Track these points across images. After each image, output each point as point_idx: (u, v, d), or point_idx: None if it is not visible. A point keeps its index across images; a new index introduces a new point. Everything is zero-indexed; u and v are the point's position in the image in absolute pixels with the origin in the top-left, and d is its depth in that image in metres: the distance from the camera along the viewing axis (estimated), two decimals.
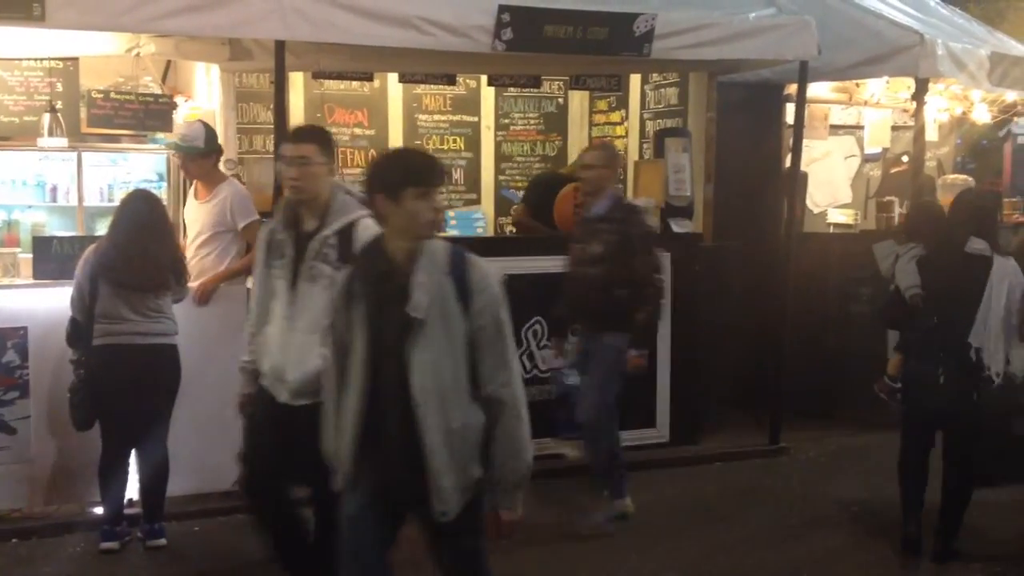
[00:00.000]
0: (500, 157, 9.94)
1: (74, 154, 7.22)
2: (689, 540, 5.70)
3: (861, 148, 10.05)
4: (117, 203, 5.70)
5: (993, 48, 8.31)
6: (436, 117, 9.63)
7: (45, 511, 5.70)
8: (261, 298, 4.19)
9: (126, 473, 5.38)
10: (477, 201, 9.63)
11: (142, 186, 6.62)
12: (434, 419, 3.11)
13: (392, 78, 9.05)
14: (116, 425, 5.26)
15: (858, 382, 7.86)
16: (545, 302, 6.18)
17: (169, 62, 7.66)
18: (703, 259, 7.27)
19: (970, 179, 9.42)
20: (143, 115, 7.22)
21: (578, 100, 10.03)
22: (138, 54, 6.82)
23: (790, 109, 7.91)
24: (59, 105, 7.26)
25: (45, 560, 5.26)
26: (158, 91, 7.48)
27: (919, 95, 7.84)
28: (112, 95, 7.18)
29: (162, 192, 7.17)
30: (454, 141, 9.70)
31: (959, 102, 9.21)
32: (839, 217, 9.47)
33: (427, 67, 7.86)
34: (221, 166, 6.34)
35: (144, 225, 5.22)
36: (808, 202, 9.32)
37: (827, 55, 7.09)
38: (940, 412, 5.28)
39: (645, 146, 8.88)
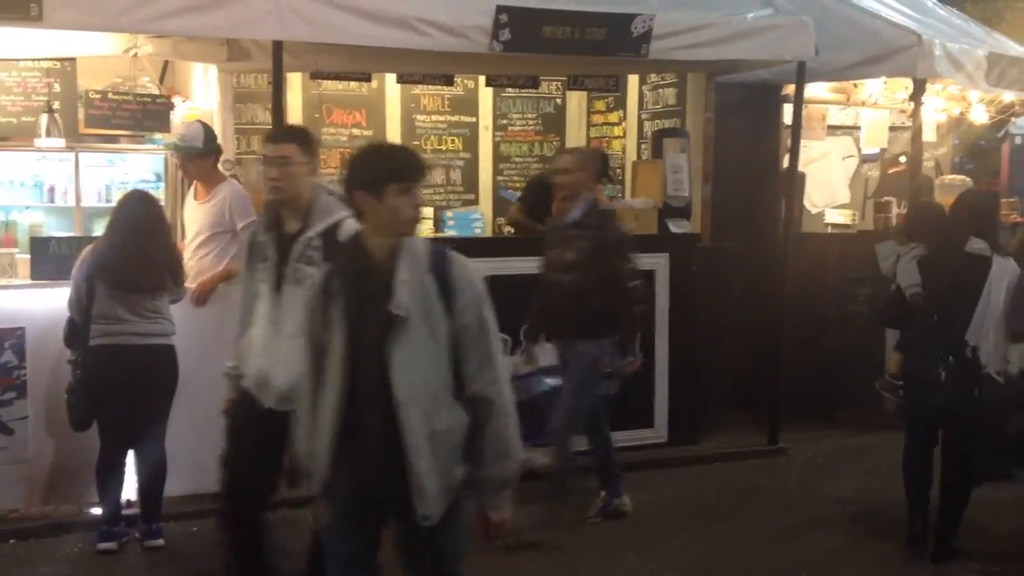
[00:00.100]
0: (498, 157, 9.94)
1: (72, 154, 7.22)
2: (687, 540, 5.70)
3: (859, 148, 10.06)
4: (115, 204, 5.70)
5: (991, 48, 8.31)
6: (434, 117, 9.63)
7: (43, 511, 5.69)
8: (245, 302, 4.11)
9: (123, 473, 5.38)
10: (475, 202, 9.64)
11: (140, 186, 6.62)
12: (417, 419, 3.04)
13: (390, 78, 9.06)
14: (114, 425, 5.26)
15: (856, 382, 7.88)
16: None
17: (167, 62, 7.66)
18: (701, 259, 7.27)
19: (968, 179, 9.44)
20: (141, 115, 7.23)
21: (576, 101, 10.03)
22: (136, 54, 6.82)
23: (788, 109, 7.90)
24: (57, 105, 7.26)
25: (43, 561, 5.26)
26: (156, 92, 7.49)
27: (917, 95, 7.85)
28: (110, 95, 7.19)
29: (160, 192, 7.17)
30: (452, 141, 9.70)
31: (957, 102, 9.22)
32: (837, 217, 9.47)
33: (425, 67, 7.86)
34: (219, 166, 6.33)
35: (141, 225, 5.22)
36: (806, 202, 9.33)
37: (824, 56, 7.09)
38: (940, 410, 5.29)
39: (643, 146, 8.88)
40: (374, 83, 9.02)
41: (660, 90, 8.64)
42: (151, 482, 5.33)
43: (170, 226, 5.80)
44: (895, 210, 9.03)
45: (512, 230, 8.44)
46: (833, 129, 9.64)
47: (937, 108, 9.21)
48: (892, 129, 9.73)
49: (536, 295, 5.74)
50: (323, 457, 3.12)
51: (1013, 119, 10.11)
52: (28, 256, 6.05)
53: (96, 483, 5.36)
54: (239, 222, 5.93)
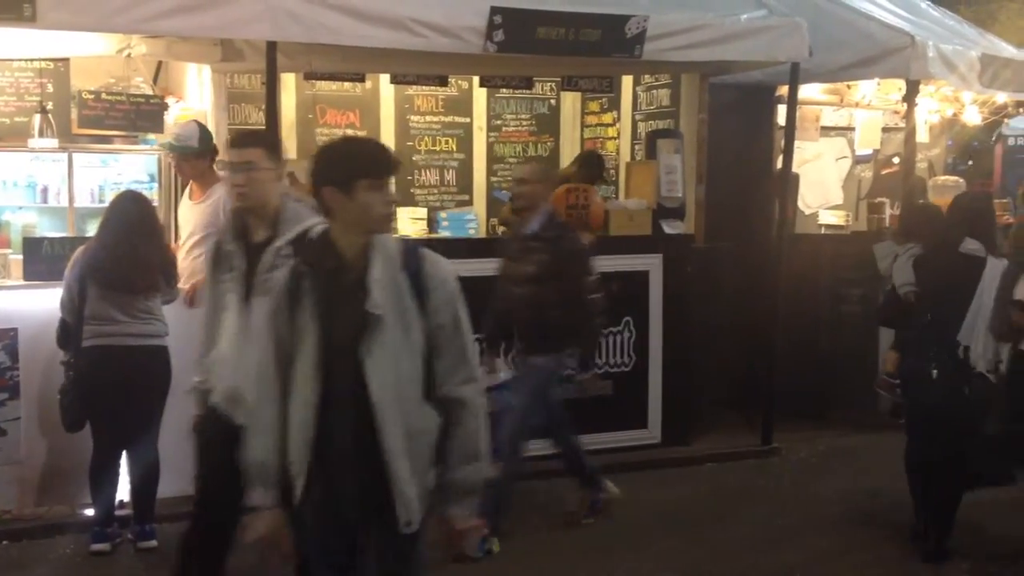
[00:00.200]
0: (492, 158, 9.95)
1: (65, 155, 7.20)
2: (684, 541, 5.70)
3: (852, 149, 10.06)
4: (107, 204, 5.68)
5: (984, 50, 8.33)
6: (428, 118, 9.63)
7: (36, 513, 5.68)
8: (210, 315, 3.97)
9: (117, 475, 5.37)
10: (469, 202, 9.65)
11: (133, 187, 6.61)
12: (394, 422, 2.94)
13: (384, 79, 9.06)
14: (107, 426, 5.26)
15: (849, 383, 7.91)
16: None
17: (160, 63, 7.65)
18: (695, 260, 7.28)
19: (961, 180, 9.46)
20: (134, 116, 7.20)
21: (570, 101, 10.04)
22: (129, 55, 6.81)
23: (781, 111, 7.93)
24: (50, 106, 7.23)
25: (35, 562, 5.25)
26: (149, 92, 7.47)
27: (910, 97, 7.86)
28: (103, 96, 7.17)
29: (153, 193, 7.16)
30: (446, 142, 9.70)
31: (950, 104, 9.24)
32: (830, 218, 9.48)
33: (419, 68, 7.85)
34: (214, 167, 6.32)
35: (133, 226, 5.21)
36: (799, 203, 9.33)
37: (818, 57, 7.11)
38: (932, 408, 5.32)
39: (637, 147, 8.89)
40: (368, 84, 9.02)
41: (654, 91, 8.65)
42: (144, 483, 5.32)
43: (163, 227, 5.79)
44: (888, 211, 9.05)
45: (505, 230, 8.44)
46: (827, 130, 9.66)
47: (930, 109, 9.24)
48: (885, 130, 9.76)
49: (491, 306, 5.58)
50: (301, 468, 3.00)
51: (1006, 120, 10.14)
52: (21, 257, 6.04)
53: (89, 484, 5.36)
54: None
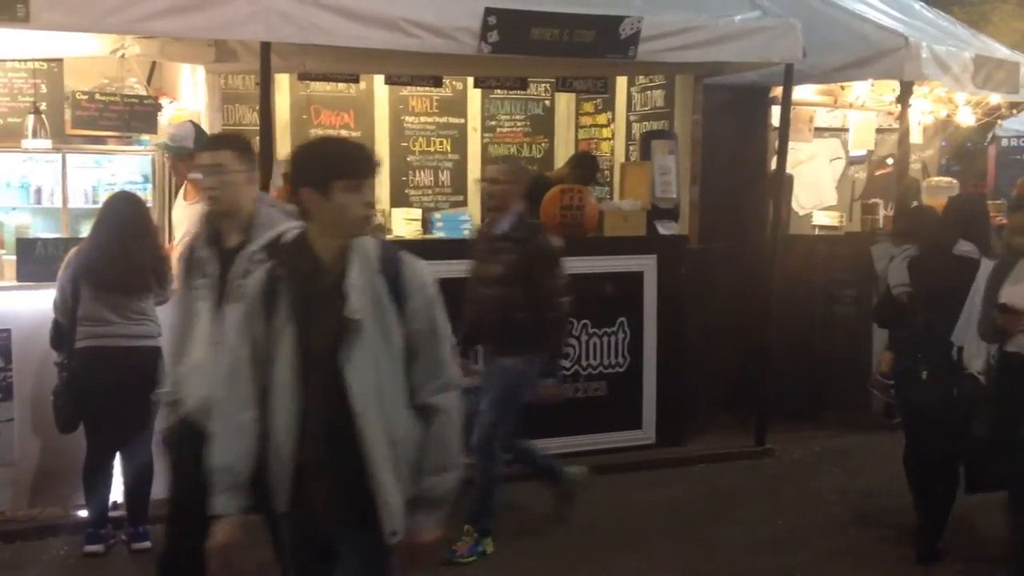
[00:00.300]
0: (487, 159, 9.91)
1: (58, 156, 7.20)
2: (680, 542, 5.70)
3: (846, 150, 10.09)
4: (101, 205, 5.68)
5: (977, 51, 8.35)
6: (422, 119, 9.63)
7: (29, 514, 5.67)
8: (181, 323, 3.88)
9: (110, 476, 5.36)
10: (464, 203, 9.64)
11: (127, 188, 6.60)
12: (377, 429, 2.85)
13: (378, 80, 9.05)
14: (100, 428, 5.25)
15: (843, 383, 7.93)
16: None
17: (154, 63, 7.64)
18: (689, 261, 7.29)
19: (954, 181, 9.48)
20: (128, 116, 7.20)
21: (564, 102, 10.04)
22: (123, 55, 6.80)
23: (775, 112, 7.93)
24: (43, 106, 7.23)
25: (29, 563, 5.23)
26: (143, 92, 7.46)
27: (904, 98, 7.88)
28: (97, 96, 7.16)
29: (147, 194, 7.15)
30: (440, 143, 9.70)
31: (943, 105, 9.26)
32: (824, 219, 9.50)
33: (413, 69, 7.85)
34: None
35: (126, 227, 5.20)
36: (793, 204, 9.35)
37: (812, 58, 7.11)
38: (922, 408, 5.35)
39: (631, 148, 8.89)
40: (362, 84, 9.02)
41: (648, 92, 8.65)
42: (138, 484, 5.31)
43: (156, 227, 5.78)
44: (882, 212, 9.07)
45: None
46: (820, 131, 9.68)
47: (924, 110, 9.25)
48: (879, 131, 9.77)
49: (464, 308, 5.37)
50: (286, 477, 2.93)
51: (1000, 121, 10.15)
52: (14, 257, 6.03)
53: (83, 485, 5.35)
54: None
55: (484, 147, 9.90)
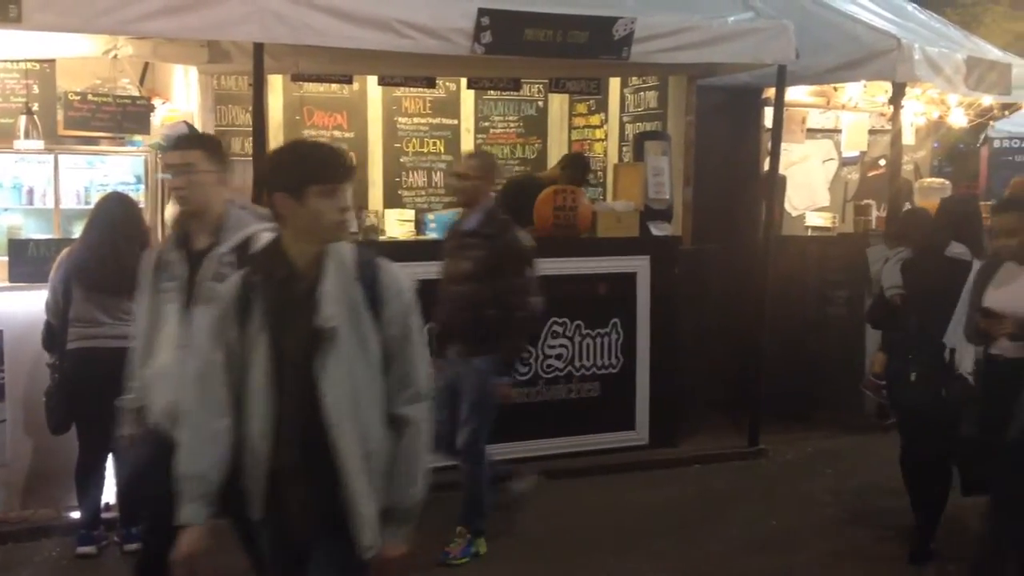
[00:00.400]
0: None
1: (51, 156, 7.19)
2: (676, 542, 5.69)
3: (839, 152, 10.10)
4: (93, 206, 5.67)
5: (969, 52, 8.37)
6: (416, 120, 9.63)
7: (21, 515, 5.66)
8: (148, 327, 3.78)
9: (103, 477, 5.35)
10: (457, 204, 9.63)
11: (119, 189, 6.59)
12: (351, 440, 2.79)
13: (372, 81, 9.06)
14: (92, 429, 5.22)
15: (836, 384, 7.93)
16: None
17: (147, 64, 7.63)
18: (682, 262, 7.29)
19: (947, 182, 9.50)
20: (120, 117, 7.19)
21: (558, 103, 10.05)
22: (115, 56, 6.79)
23: (768, 113, 7.95)
24: (35, 107, 7.22)
25: (21, 565, 5.22)
26: (135, 93, 7.45)
27: (896, 99, 7.89)
28: (89, 97, 7.15)
29: (139, 195, 7.14)
30: (434, 144, 9.70)
31: (936, 106, 9.28)
32: (817, 220, 9.51)
33: (406, 70, 7.86)
34: None
35: (118, 228, 5.18)
36: (786, 205, 9.36)
37: (805, 59, 7.13)
38: (911, 409, 5.39)
39: (625, 149, 8.90)
40: (355, 85, 9.01)
41: (641, 93, 8.66)
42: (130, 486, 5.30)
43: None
44: (875, 213, 9.09)
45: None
46: (813, 132, 9.69)
47: (916, 112, 9.27)
48: (872, 132, 9.80)
49: (435, 308, 5.28)
50: (261, 488, 2.88)
51: (992, 123, 10.18)
52: (6, 258, 6.02)
53: (75, 487, 5.34)
54: None
55: (477, 148, 9.89)
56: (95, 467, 5.30)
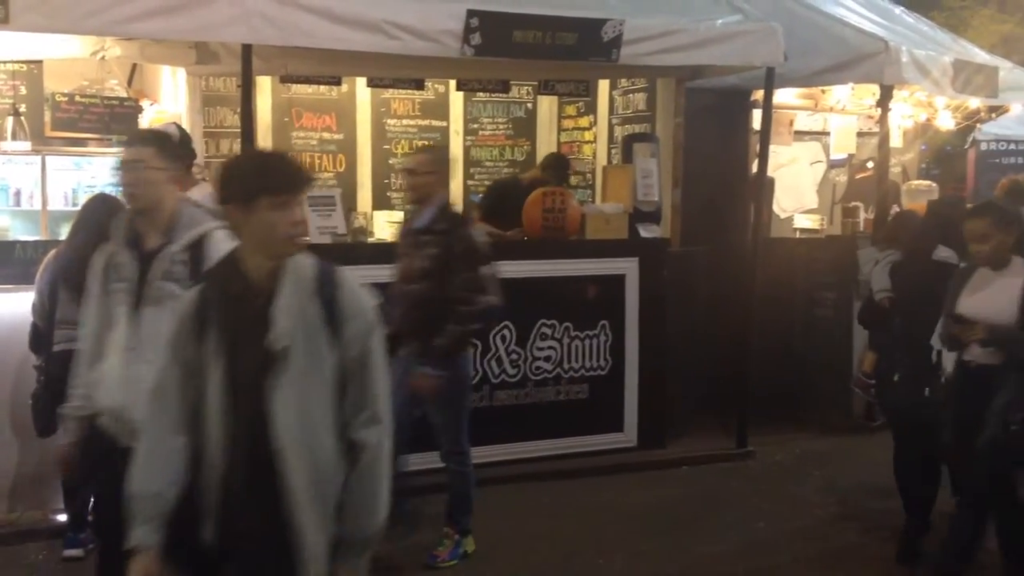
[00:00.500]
0: (469, 162, 9.96)
1: (38, 158, 7.15)
2: (665, 544, 5.69)
3: (827, 154, 10.14)
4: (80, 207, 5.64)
5: (957, 55, 8.40)
6: (405, 122, 9.64)
7: (7, 518, 5.64)
8: (96, 330, 3.64)
9: (90, 480, 5.32)
10: None
11: (106, 190, 6.56)
12: (299, 466, 2.66)
13: (360, 82, 9.05)
14: None
15: (824, 386, 7.95)
16: (511, 305, 5.99)
17: (135, 65, 7.62)
18: (671, 264, 7.30)
19: (934, 185, 9.53)
20: (108, 118, 7.17)
21: (547, 105, 10.07)
22: (103, 57, 6.78)
23: (757, 115, 7.96)
24: (23, 108, 7.19)
25: (7, 568, 5.20)
26: (123, 94, 7.44)
27: (884, 102, 7.91)
28: (77, 98, 7.13)
29: None
30: (423, 146, 9.68)
31: (923, 109, 9.31)
32: (805, 222, 9.54)
33: (395, 71, 7.86)
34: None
35: (104, 229, 5.14)
36: (775, 207, 9.39)
37: (793, 62, 7.14)
38: (895, 410, 5.44)
39: (613, 151, 8.92)
40: (344, 87, 9.01)
41: (630, 95, 8.67)
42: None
43: None
44: (863, 215, 9.12)
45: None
46: (801, 135, 9.73)
47: (904, 114, 9.30)
48: (860, 135, 9.83)
49: (387, 308, 4.93)
50: (210, 500, 2.76)
51: (979, 125, 10.22)
52: None
53: (61, 490, 5.31)
54: None
55: (466, 150, 9.91)
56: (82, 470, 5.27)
